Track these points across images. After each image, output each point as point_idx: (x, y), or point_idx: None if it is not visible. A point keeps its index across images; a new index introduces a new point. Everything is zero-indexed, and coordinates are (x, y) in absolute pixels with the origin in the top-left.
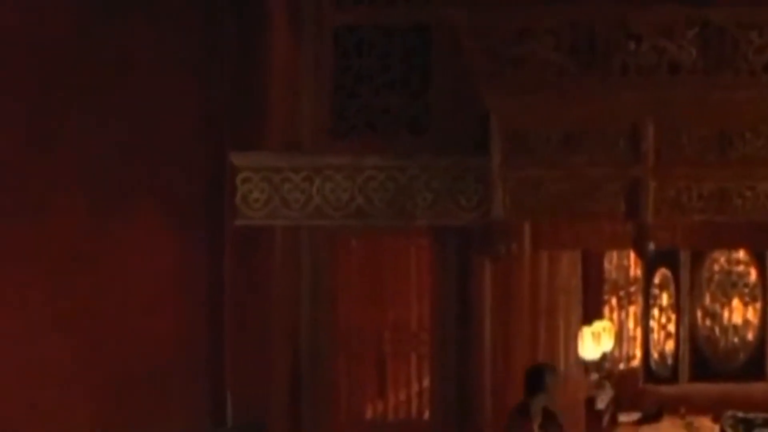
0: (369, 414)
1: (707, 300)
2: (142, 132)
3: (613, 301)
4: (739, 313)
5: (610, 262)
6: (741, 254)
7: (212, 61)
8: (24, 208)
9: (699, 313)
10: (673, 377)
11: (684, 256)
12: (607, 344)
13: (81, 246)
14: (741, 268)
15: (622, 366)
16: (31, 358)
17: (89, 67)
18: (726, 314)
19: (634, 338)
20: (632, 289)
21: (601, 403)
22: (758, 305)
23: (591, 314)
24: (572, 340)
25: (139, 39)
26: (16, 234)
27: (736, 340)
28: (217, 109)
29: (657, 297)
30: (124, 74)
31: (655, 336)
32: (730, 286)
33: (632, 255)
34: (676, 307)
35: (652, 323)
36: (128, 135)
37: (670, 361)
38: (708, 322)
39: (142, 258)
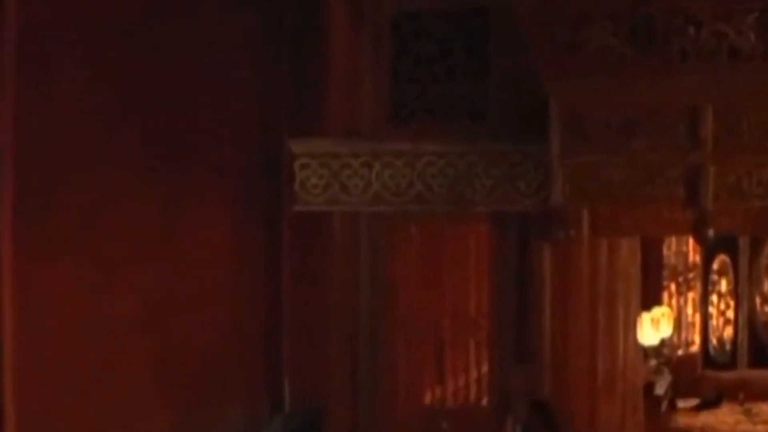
0: (427, 400)
1: (766, 286)
2: (201, 117)
3: (672, 287)
4: None
5: (669, 248)
6: None
7: (271, 47)
8: (90, 198)
9: (758, 300)
10: (731, 363)
11: (743, 243)
12: (666, 330)
13: (142, 235)
14: None
15: (680, 352)
16: (93, 347)
17: (153, 54)
18: None
19: (693, 324)
20: (691, 275)
21: (659, 389)
22: None
23: (650, 300)
24: (631, 326)
25: (199, 24)
26: (82, 224)
27: None
28: (274, 95)
29: (716, 283)
30: (185, 60)
31: (713, 322)
32: None
33: (691, 241)
34: (735, 293)
35: (711, 309)
36: (188, 121)
37: (728, 347)
38: (767, 308)
39: (200, 245)
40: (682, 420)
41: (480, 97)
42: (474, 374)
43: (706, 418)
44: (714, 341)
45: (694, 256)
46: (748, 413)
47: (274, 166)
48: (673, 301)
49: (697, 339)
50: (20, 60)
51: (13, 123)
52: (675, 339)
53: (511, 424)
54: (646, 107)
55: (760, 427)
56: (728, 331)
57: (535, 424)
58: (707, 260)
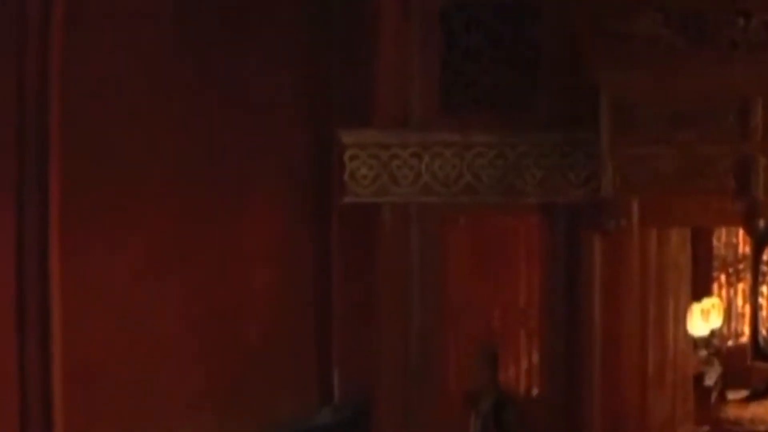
0: None
1: None
2: (252, 109)
3: (722, 278)
4: None
5: (719, 239)
6: None
7: (320, 39)
8: (140, 191)
9: None
10: None
11: None
12: (715, 321)
13: (192, 228)
14: None
15: (730, 343)
16: (144, 336)
17: (204, 46)
18: None
19: (743, 315)
20: (741, 266)
21: (709, 380)
22: None
23: (700, 291)
24: (681, 317)
25: (250, 17)
26: (132, 218)
27: None
28: (324, 87)
29: (766, 274)
30: (236, 53)
31: (763, 313)
32: None
33: (741, 232)
34: None
35: (761, 300)
36: (239, 113)
37: None
38: None
39: (251, 238)
40: (731, 411)
41: (529, 88)
42: (524, 364)
43: (755, 409)
44: (764, 332)
45: (743, 247)
46: None
47: (323, 157)
48: (723, 292)
49: (747, 330)
50: (67, 49)
51: (59, 114)
52: (725, 330)
53: (473, 418)
54: (696, 98)
55: None
56: None
57: (497, 419)
58: (757, 251)
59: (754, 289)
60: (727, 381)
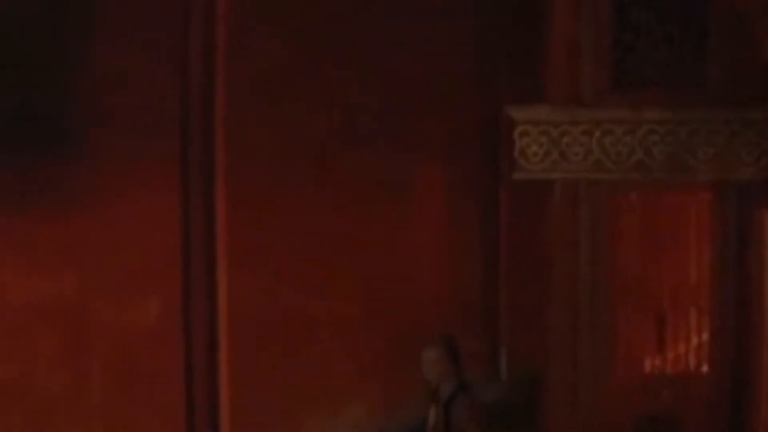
0: (647, 368)
1: None
2: (420, 84)
3: None
4: None
5: None
6: None
7: (490, 14)
8: (306, 158)
9: None
10: None
11: None
12: None
13: (361, 203)
14: None
15: None
16: (314, 311)
17: (372, 21)
18: None
19: None
20: None
21: None
22: None
23: None
24: None
25: None
26: (309, 187)
27: None
28: (493, 62)
29: None
30: (405, 27)
31: None
32: None
33: None
34: None
35: None
36: (407, 87)
37: None
38: None
39: (420, 211)
40: None
41: (699, 65)
42: (694, 342)
43: None
44: None
45: None
46: None
47: (491, 133)
48: None
49: None
50: (231, 26)
51: (224, 87)
52: None
53: (433, 407)
54: None
55: None
56: None
57: (459, 406)
58: None
59: None
60: None
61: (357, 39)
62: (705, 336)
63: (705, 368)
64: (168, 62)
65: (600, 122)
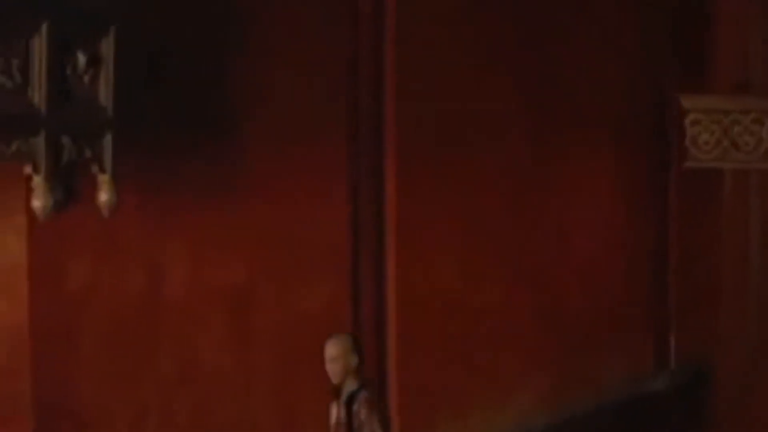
0: None
1: None
2: (587, 74)
3: None
4: None
5: None
6: None
7: (657, 3)
8: (479, 139)
9: None
10: None
11: None
12: None
13: (523, 186)
14: None
15: None
16: (481, 292)
17: (538, 15)
18: None
19: None
20: None
21: None
22: None
23: None
24: None
25: None
26: (462, 183)
27: None
28: (660, 52)
29: None
30: (571, 17)
31: None
32: None
33: None
34: None
35: None
36: (574, 78)
37: None
38: None
39: (586, 201)
40: None
41: None
42: None
43: None
44: None
45: None
46: None
47: (660, 122)
48: None
49: None
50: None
51: (393, 62)
52: None
53: (336, 406)
54: None
55: None
56: None
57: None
58: None
59: None
60: None
61: (531, 23)
62: None
63: None
64: (335, 38)
65: None
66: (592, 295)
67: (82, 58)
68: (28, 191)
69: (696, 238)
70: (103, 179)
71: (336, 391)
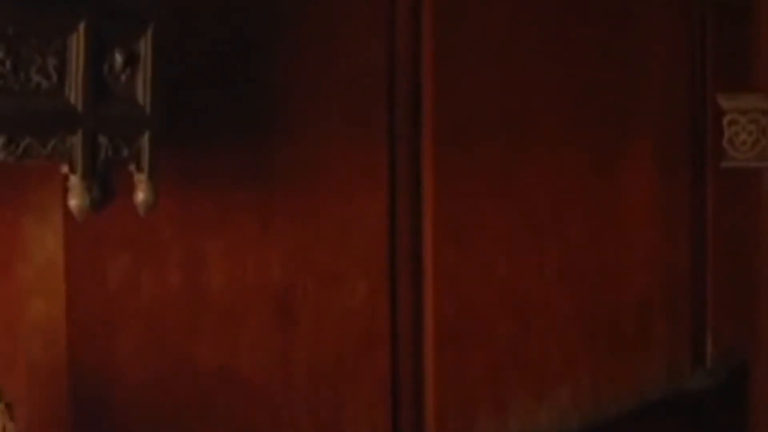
0: None
1: None
2: (626, 73)
3: None
4: None
5: None
6: None
7: (697, 3)
8: (510, 153)
9: None
10: None
11: None
12: None
13: (565, 190)
14: None
15: None
16: (521, 291)
17: (577, 12)
18: None
19: None
20: None
21: None
22: None
23: None
24: None
25: None
26: (503, 180)
27: None
28: (699, 50)
29: None
30: (611, 14)
31: None
32: None
33: None
34: None
35: None
36: (613, 77)
37: None
38: None
39: (625, 199)
40: None
41: None
42: None
43: None
44: None
45: None
46: None
47: (698, 122)
48: None
49: None
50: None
51: (432, 84)
52: None
53: None
54: None
55: None
56: None
57: None
58: None
59: None
60: None
61: (579, 15)
62: None
63: None
64: (373, 28)
65: None
66: (629, 293)
67: (119, 57)
68: (65, 190)
69: (734, 237)
70: (141, 178)
71: None
